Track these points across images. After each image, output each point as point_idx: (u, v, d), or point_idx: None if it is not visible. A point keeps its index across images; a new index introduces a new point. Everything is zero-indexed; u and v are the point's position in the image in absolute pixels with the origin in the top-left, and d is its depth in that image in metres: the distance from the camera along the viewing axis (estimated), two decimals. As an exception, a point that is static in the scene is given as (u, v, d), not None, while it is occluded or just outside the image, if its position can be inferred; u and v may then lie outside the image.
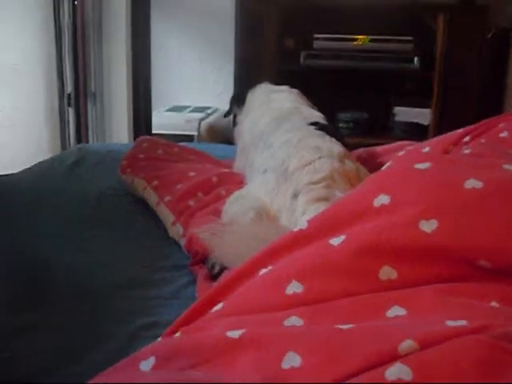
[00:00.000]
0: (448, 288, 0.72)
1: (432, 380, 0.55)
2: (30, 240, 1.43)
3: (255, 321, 0.73)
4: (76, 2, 3.92)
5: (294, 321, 0.71)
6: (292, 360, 0.61)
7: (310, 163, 1.37)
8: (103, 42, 4.31)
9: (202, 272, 1.23)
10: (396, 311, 0.70)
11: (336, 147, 1.44)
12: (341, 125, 3.95)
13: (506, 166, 0.84)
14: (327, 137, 1.49)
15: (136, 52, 3.84)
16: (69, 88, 4.04)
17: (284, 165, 1.41)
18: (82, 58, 4.02)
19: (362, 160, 1.76)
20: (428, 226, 0.75)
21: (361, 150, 1.90)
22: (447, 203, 0.78)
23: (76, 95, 4.05)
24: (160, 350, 0.72)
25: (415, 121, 4.04)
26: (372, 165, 1.69)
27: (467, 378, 0.55)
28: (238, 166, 1.80)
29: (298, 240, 0.84)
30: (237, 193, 1.48)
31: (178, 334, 0.79)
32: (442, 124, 3.95)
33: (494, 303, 0.70)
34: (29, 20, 3.85)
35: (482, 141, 1.66)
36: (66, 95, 4.06)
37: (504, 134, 1.66)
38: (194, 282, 1.22)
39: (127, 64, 3.77)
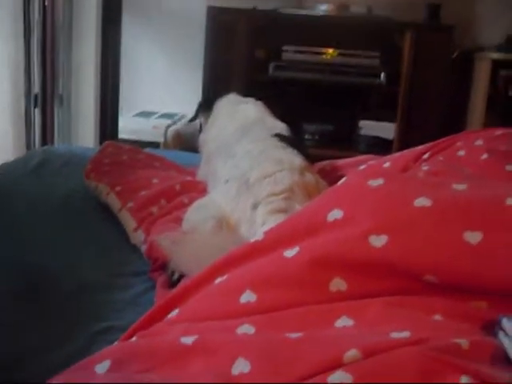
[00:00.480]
0: (395, 301, 0.75)
1: (370, 386, 0.58)
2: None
3: (209, 328, 0.76)
4: (46, 2, 3.91)
5: (247, 329, 0.74)
6: (242, 365, 0.64)
7: (271, 175, 1.39)
8: (73, 44, 4.30)
9: (160, 279, 1.25)
10: (344, 322, 0.73)
11: (297, 159, 1.46)
12: (306, 136, 3.99)
13: (455, 186, 0.87)
14: (289, 149, 1.51)
15: (105, 55, 3.83)
16: (36, 89, 4.01)
17: (246, 175, 1.43)
18: (50, 58, 3.99)
19: (325, 172, 1.79)
20: (378, 241, 0.79)
21: (325, 163, 1.93)
22: (397, 219, 0.81)
23: (43, 96, 4.02)
24: (116, 353, 0.73)
25: (380, 135, 4.09)
26: (334, 178, 1.72)
27: None
28: (202, 174, 1.82)
29: (254, 250, 0.87)
30: (198, 201, 1.50)
31: (134, 339, 0.81)
32: (406, 139, 4.01)
33: (437, 316, 0.73)
34: (-4, 17, 3.82)
35: (440, 158, 1.71)
36: (32, 96, 4.03)
37: (461, 153, 1.71)
38: (153, 288, 1.24)
39: (96, 67, 3.76)
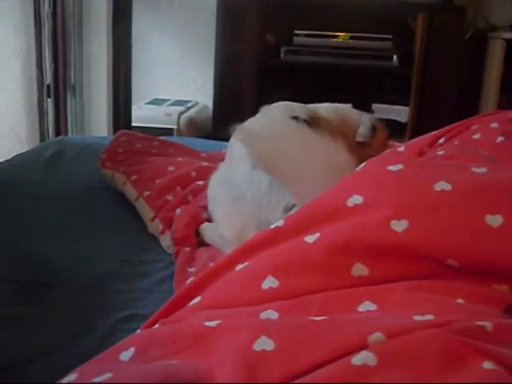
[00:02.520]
0: (417, 285, 0.75)
1: (394, 366, 0.59)
2: (9, 233, 1.44)
3: (232, 313, 0.76)
4: (57, -8, 3.91)
5: (270, 314, 0.74)
6: (265, 343, 0.64)
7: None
8: (83, 34, 4.30)
9: (179, 264, 1.26)
10: (367, 306, 0.73)
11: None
12: (320, 121, 3.98)
13: (475, 169, 0.87)
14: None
15: (117, 44, 3.83)
16: (48, 79, 4.02)
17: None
18: (61, 49, 4.00)
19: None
20: (399, 226, 0.79)
21: None
22: (418, 204, 0.81)
23: (55, 86, 4.03)
24: (139, 340, 0.74)
25: (393, 118, 4.08)
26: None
27: (426, 367, 0.58)
28: None
29: (275, 237, 0.87)
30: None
31: (156, 326, 0.81)
32: (420, 121, 4.00)
33: (459, 300, 0.73)
34: (8, 9, 3.83)
35: (456, 143, 1.70)
36: (45, 86, 4.05)
37: (477, 136, 1.70)
38: (172, 276, 1.24)
39: (107, 56, 3.76)
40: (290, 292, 0.78)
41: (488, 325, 0.64)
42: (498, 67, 4.00)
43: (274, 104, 1.73)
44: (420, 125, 3.97)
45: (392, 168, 0.88)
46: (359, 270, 0.78)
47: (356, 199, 0.85)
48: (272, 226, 0.89)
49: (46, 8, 3.97)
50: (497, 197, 0.80)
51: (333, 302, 0.74)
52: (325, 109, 1.73)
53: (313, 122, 1.63)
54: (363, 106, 4.18)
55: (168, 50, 4.39)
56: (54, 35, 3.98)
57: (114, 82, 3.87)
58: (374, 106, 4.06)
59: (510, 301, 0.74)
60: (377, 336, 0.62)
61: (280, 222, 0.88)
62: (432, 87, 3.98)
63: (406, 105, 4.01)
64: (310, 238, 0.82)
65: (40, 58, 4.05)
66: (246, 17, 3.85)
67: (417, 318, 0.67)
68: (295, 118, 1.55)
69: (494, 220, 0.77)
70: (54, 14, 3.96)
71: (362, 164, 0.96)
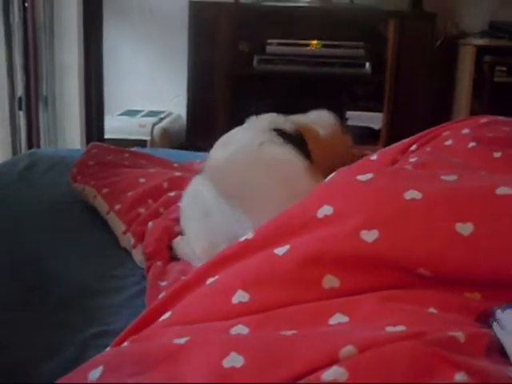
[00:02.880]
0: (389, 295, 0.74)
1: (365, 381, 0.58)
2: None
3: (202, 329, 0.75)
4: (26, 4, 3.88)
5: (240, 329, 0.73)
6: (234, 360, 0.63)
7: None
8: (55, 45, 4.27)
9: (150, 278, 1.24)
10: (338, 318, 0.72)
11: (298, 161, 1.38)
12: (294, 129, 3.98)
13: (445, 177, 0.87)
14: (289, 145, 1.43)
15: (88, 55, 3.80)
16: (19, 91, 3.98)
17: None
18: (33, 60, 3.96)
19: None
20: (369, 236, 0.78)
21: None
22: (388, 213, 0.81)
23: (27, 99, 4.00)
24: (108, 359, 0.73)
25: (367, 125, 4.10)
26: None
27: (397, 381, 0.57)
28: None
29: (245, 250, 0.86)
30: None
31: (126, 343, 0.80)
32: (394, 128, 4.03)
33: (432, 309, 0.73)
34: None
35: (428, 149, 1.70)
36: (16, 98, 4.01)
37: (449, 142, 1.71)
38: (144, 290, 1.23)
39: (79, 67, 3.73)
40: (261, 306, 0.76)
41: (460, 335, 0.64)
42: (469, 73, 4.05)
43: (261, 116, 1.72)
44: (394, 131, 3.99)
45: (361, 178, 0.88)
46: (330, 281, 0.77)
47: (326, 210, 0.84)
48: (242, 239, 0.88)
49: (15, 19, 3.93)
50: (467, 204, 0.80)
51: (304, 316, 0.73)
52: (311, 120, 1.74)
53: (298, 136, 1.62)
54: (337, 113, 4.20)
55: (140, 60, 4.38)
56: (24, 47, 3.94)
57: (86, 93, 3.84)
58: (348, 114, 4.08)
59: (482, 309, 0.74)
60: (348, 349, 0.61)
61: (250, 235, 0.87)
62: (405, 93, 4.02)
63: (379, 111, 4.03)
64: (280, 251, 0.81)
65: (11, 69, 4.01)
66: (218, 26, 3.85)
67: (389, 329, 0.66)
68: (279, 131, 1.54)
69: (465, 228, 0.77)
70: (24, 25, 3.93)
71: (332, 174, 0.96)
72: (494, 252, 0.75)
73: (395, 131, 3.97)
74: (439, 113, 4.21)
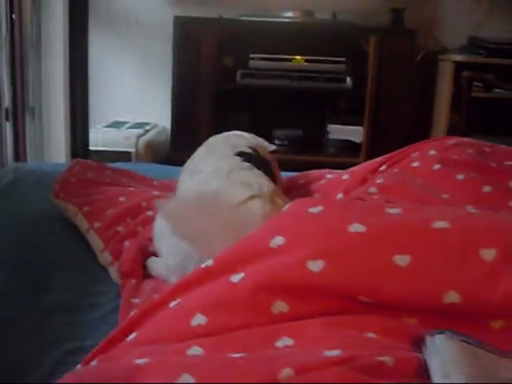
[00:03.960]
0: (331, 320, 0.82)
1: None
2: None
3: (162, 350, 0.82)
4: (14, 16, 3.93)
5: (196, 350, 0.80)
6: (186, 381, 0.70)
7: (243, 204, 1.38)
8: (42, 57, 4.33)
9: (124, 295, 1.31)
10: (285, 341, 0.80)
11: (266, 184, 1.47)
12: (276, 142, 4.06)
13: (389, 210, 0.95)
14: (255, 170, 1.54)
15: (74, 67, 3.85)
16: (6, 102, 4.03)
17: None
18: (19, 72, 4.02)
19: (299, 186, 1.87)
20: (315, 266, 0.86)
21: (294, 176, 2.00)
22: (333, 245, 0.88)
23: (14, 110, 4.05)
24: (75, 378, 0.79)
25: (348, 138, 4.18)
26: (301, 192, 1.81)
27: None
28: None
29: (205, 276, 0.93)
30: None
31: (94, 362, 0.87)
32: (374, 141, 4.11)
33: (370, 334, 0.80)
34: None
35: (395, 170, 1.79)
36: (3, 109, 4.06)
37: (416, 164, 1.79)
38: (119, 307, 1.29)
39: (64, 78, 3.78)
40: (217, 329, 0.84)
41: (388, 360, 0.71)
42: (448, 88, 4.14)
43: (218, 136, 1.82)
44: (374, 144, 4.08)
45: (313, 210, 0.96)
46: (279, 307, 0.85)
47: (278, 240, 0.92)
48: (203, 265, 0.96)
49: (3, 33, 3.99)
50: (406, 237, 0.88)
51: (253, 338, 0.81)
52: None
53: (261, 158, 1.71)
54: (319, 126, 4.29)
55: (126, 72, 4.45)
56: (12, 59, 3.99)
57: (72, 104, 3.89)
58: (329, 127, 4.17)
59: (418, 334, 0.82)
60: (287, 372, 0.69)
61: (210, 262, 0.95)
62: (385, 107, 4.10)
63: (360, 125, 4.11)
64: (236, 278, 0.89)
65: (-2, 81, 4.06)
66: (202, 41, 3.93)
67: (327, 353, 0.73)
68: (244, 155, 1.63)
69: (403, 260, 0.85)
70: (11, 38, 3.98)
71: (288, 205, 1.04)
72: (428, 282, 0.83)
73: (376, 144, 4.06)
74: (419, 126, 4.31)
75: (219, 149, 1.71)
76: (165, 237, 1.38)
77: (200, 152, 1.77)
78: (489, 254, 0.85)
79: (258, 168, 1.56)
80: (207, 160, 1.67)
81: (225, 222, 1.22)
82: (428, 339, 0.77)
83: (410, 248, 0.86)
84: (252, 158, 1.64)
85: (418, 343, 0.80)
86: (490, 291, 0.82)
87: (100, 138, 3.80)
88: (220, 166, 1.56)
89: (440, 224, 0.88)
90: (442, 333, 0.78)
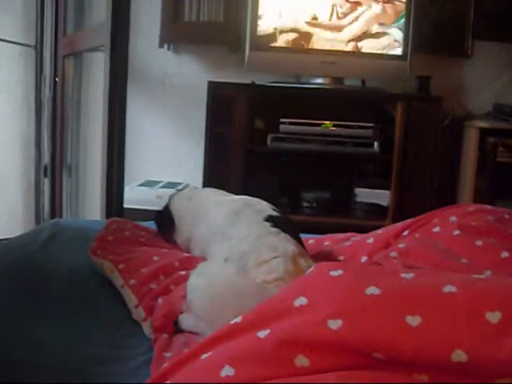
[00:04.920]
0: (347, 375, 0.90)
1: None
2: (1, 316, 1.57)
3: (193, 398, 0.91)
4: (57, 79, 4.13)
5: (225, 399, 0.89)
6: None
7: (268, 261, 1.53)
8: (81, 117, 4.52)
9: (156, 349, 1.40)
10: (304, 393, 0.89)
11: (291, 247, 1.59)
12: (304, 204, 4.16)
13: (404, 275, 1.04)
14: (282, 234, 1.66)
15: (111, 128, 3.99)
16: (45, 159, 4.20)
17: (244, 259, 1.58)
18: (59, 131, 4.19)
19: (325, 248, 1.97)
20: (334, 325, 0.95)
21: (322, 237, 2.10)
22: (350, 306, 0.97)
23: (52, 166, 4.21)
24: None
25: (375, 201, 4.25)
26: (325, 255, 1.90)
27: None
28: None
29: (234, 331, 1.03)
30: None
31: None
32: (401, 204, 4.17)
33: (382, 388, 0.88)
34: (8, 94, 4.04)
35: (417, 235, 1.87)
36: (42, 166, 4.23)
37: (436, 229, 1.87)
38: (150, 361, 1.37)
39: (102, 138, 3.94)
40: (244, 380, 0.92)
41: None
42: (473, 153, 4.23)
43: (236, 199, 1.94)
44: (401, 207, 4.14)
45: (333, 273, 1.05)
46: (301, 361, 0.93)
47: (301, 300, 1.01)
48: (232, 322, 1.05)
49: (46, 93, 4.19)
50: (417, 300, 0.96)
51: (277, 389, 0.89)
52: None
53: (286, 219, 1.83)
54: (347, 189, 4.38)
55: (161, 133, 4.60)
56: (53, 118, 4.18)
57: (108, 163, 4.03)
58: (357, 190, 4.25)
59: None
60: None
61: (238, 319, 1.04)
62: (412, 172, 4.17)
63: (387, 189, 4.19)
64: (262, 333, 0.98)
65: (39, 139, 4.24)
66: (234, 105, 4.07)
67: (341, 403, 0.82)
68: (271, 219, 1.74)
69: (414, 320, 0.93)
70: (54, 98, 4.17)
71: (311, 268, 1.13)
72: (436, 341, 0.91)
73: (402, 208, 4.13)
74: (445, 190, 4.39)
75: (246, 215, 1.80)
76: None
77: (226, 219, 1.87)
78: (494, 317, 0.92)
79: (285, 231, 1.67)
80: (236, 227, 1.77)
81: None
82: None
83: (420, 309, 0.94)
84: (280, 221, 1.74)
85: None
86: (495, 351, 0.89)
87: (133, 196, 3.92)
88: (249, 233, 1.68)
89: (448, 288, 0.97)
90: (449, 389, 0.85)
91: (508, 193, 4.07)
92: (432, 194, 4.16)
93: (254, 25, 4.08)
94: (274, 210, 1.85)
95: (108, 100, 3.90)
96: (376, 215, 4.20)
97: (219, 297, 1.43)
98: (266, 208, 1.85)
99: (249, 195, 2.03)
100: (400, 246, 1.77)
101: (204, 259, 1.83)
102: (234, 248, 1.65)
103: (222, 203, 1.95)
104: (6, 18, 4.01)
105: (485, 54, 4.52)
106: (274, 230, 1.67)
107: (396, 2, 4.14)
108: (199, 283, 1.49)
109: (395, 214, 4.10)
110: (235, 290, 1.44)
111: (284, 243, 1.61)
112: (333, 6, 4.13)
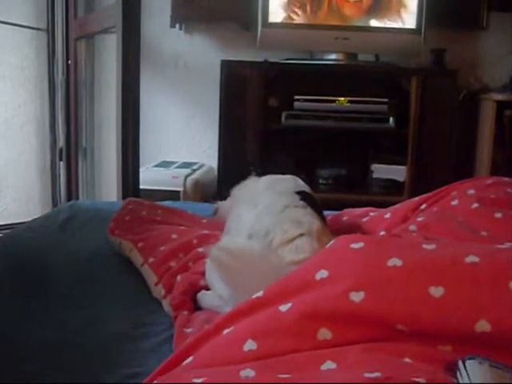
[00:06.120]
0: (371, 347, 0.90)
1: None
2: (25, 298, 1.58)
3: (217, 372, 0.91)
4: (70, 62, 4.13)
5: (248, 372, 0.89)
6: None
7: (292, 240, 1.50)
8: (95, 99, 4.52)
9: (177, 326, 1.40)
10: (329, 365, 0.88)
11: (315, 223, 1.57)
12: (320, 181, 4.14)
13: (425, 246, 1.03)
14: (308, 209, 1.63)
15: (125, 109, 3.99)
16: (60, 142, 4.21)
17: (269, 236, 1.54)
18: (73, 113, 4.19)
19: (341, 223, 1.95)
20: (357, 297, 0.94)
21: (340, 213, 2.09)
22: (373, 278, 0.97)
23: (67, 150, 4.22)
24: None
25: (391, 177, 4.23)
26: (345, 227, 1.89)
27: None
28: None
29: (255, 306, 1.03)
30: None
31: (155, 382, 0.96)
32: (418, 180, 4.14)
33: (407, 359, 0.88)
34: (24, 78, 4.05)
35: (435, 209, 1.85)
36: (57, 149, 4.24)
37: (455, 202, 1.86)
38: (171, 337, 1.38)
39: (117, 120, 3.94)
40: (266, 353, 0.92)
41: (423, 381, 0.79)
42: (490, 127, 4.18)
43: (263, 178, 1.91)
44: (417, 183, 4.12)
45: (354, 246, 1.04)
46: (324, 334, 0.93)
47: (322, 273, 1.00)
48: (253, 296, 1.05)
49: (59, 76, 4.18)
50: (440, 270, 0.95)
51: (300, 362, 0.89)
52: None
53: (312, 196, 1.81)
54: (362, 166, 4.35)
55: (175, 113, 4.59)
56: (66, 101, 4.18)
57: (123, 145, 4.03)
58: (373, 166, 4.23)
59: (451, 360, 0.89)
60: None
61: (260, 293, 1.04)
62: (428, 147, 4.15)
63: (403, 164, 4.17)
64: (284, 307, 0.98)
65: (53, 122, 4.25)
66: (248, 83, 4.06)
67: (367, 375, 0.81)
68: (302, 193, 1.72)
69: (437, 291, 0.92)
70: (67, 81, 4.17)
71: (332, 241, 1.12)
72: (460, 311, 0.90)
73: (419, 183, 4.10)
74: (462, 164, 4.35)
75: (280, 186, 1.78)
76: (215, 279, 1.48)
77: (261, 183, 1.86)
78: (517, 286, 0.92)
79: (311, 207, 1.65)
80: (266, 193, 1.76)
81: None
82: (460, 364, 0.84)
83: (443, 280, 0.93)
84: (308, 197, 1.73)
85: (452, 368, 0.87)
86: (518, 320, 0.89)
87: (149, 177, 3.92)
88: (276, 202, 1.66)
89: (471, 258, 0.96)
90: (473, 358, 0.85)
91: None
92: (449, 169, 4.13)
93: (266, 2, 4.04)
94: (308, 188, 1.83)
95: (121, 82, 3.90)
96: (392, 191, 4.18)
97: (245, 278, 1.41)
98: (301, 184, 1.83)
99: (264, 173, 2.00)
100: (418, 219, 1.76)
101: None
102: (259, 221, 1.63)
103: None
104: (18, 3, 4.01)
105: (500, 25, 4.45)
106: (302, 203, 1.66)
107: (409, -25, 4.08)
108: (222, 260, 1.48)
109: (411, 190, 4.08)
110: (264, 272, 1.42)
111: (309, 217, 1.59)
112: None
